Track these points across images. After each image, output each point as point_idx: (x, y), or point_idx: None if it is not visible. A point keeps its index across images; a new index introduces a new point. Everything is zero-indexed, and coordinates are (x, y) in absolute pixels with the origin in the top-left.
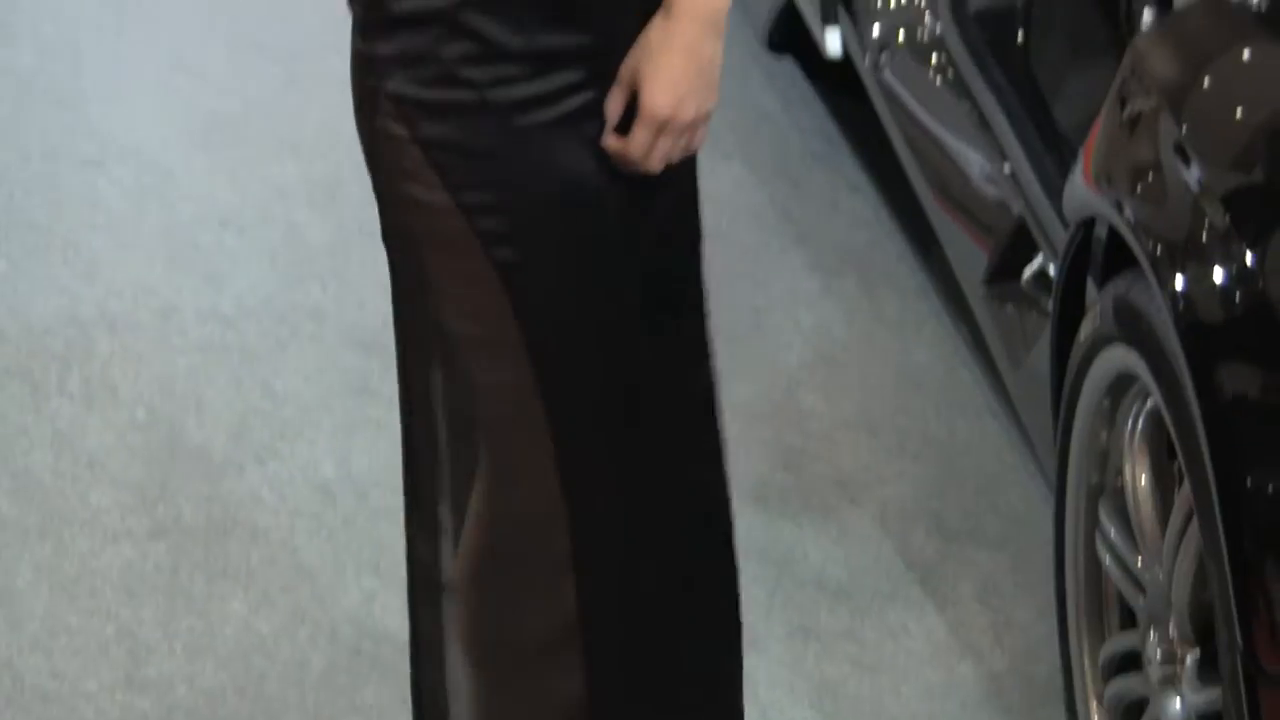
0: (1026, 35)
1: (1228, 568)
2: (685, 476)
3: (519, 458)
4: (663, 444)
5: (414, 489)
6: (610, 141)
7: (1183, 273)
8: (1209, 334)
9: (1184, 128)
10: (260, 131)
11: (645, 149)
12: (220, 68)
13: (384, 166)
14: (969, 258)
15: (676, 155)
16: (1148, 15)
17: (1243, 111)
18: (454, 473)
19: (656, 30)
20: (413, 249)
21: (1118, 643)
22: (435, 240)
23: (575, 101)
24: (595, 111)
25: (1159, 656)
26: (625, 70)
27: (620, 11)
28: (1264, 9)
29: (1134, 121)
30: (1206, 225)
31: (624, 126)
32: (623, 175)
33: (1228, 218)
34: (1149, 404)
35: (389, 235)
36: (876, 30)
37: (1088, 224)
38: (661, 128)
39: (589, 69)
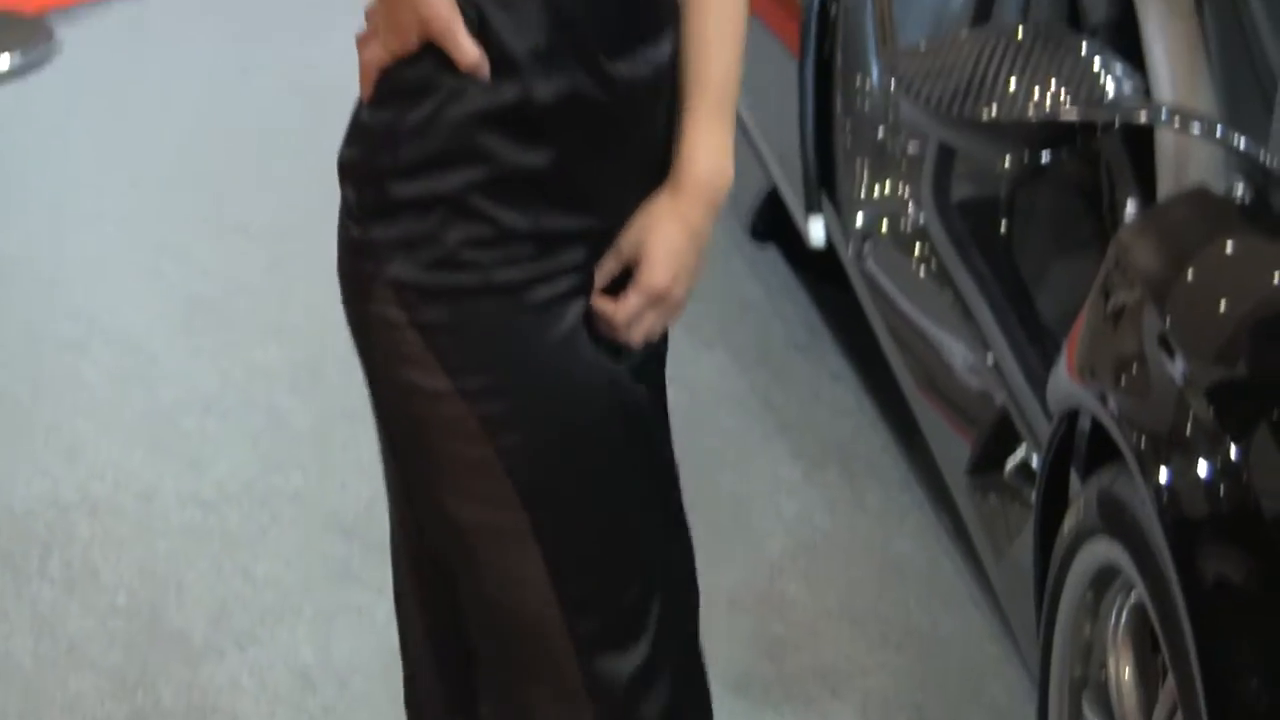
0: (1009, 226)
1: None
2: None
3: (531, 649)
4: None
5: (414, 700)
6: (603, 304)
7: (1167, 466)
8: (1194, 528)
9: (1168, 320)
10: (243, 315)
11: (634, 317)
12: (204, 251)
13: (379, 353)
14: (952, 448)
15: (657, 330)
16: (1130, 207)
17: (1227, 304)
18: (460, 676)
19: (662, 205)
20: (411, 435)
21: None
22: (435, 425)
23: (575, 278)
24: (590, 286)
25: None
26: (626, 241)
27: (627, 192)
28: (1247, 201)
29: (1118, 314)
30: (1191, 418)
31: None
32: (606, 340)
33: (1213, 411)
34: (1133, 597)
35: (385, 422)
36: (860, 220)
37: (1071, 416)
38: (655, 300)
39: (591, 247)
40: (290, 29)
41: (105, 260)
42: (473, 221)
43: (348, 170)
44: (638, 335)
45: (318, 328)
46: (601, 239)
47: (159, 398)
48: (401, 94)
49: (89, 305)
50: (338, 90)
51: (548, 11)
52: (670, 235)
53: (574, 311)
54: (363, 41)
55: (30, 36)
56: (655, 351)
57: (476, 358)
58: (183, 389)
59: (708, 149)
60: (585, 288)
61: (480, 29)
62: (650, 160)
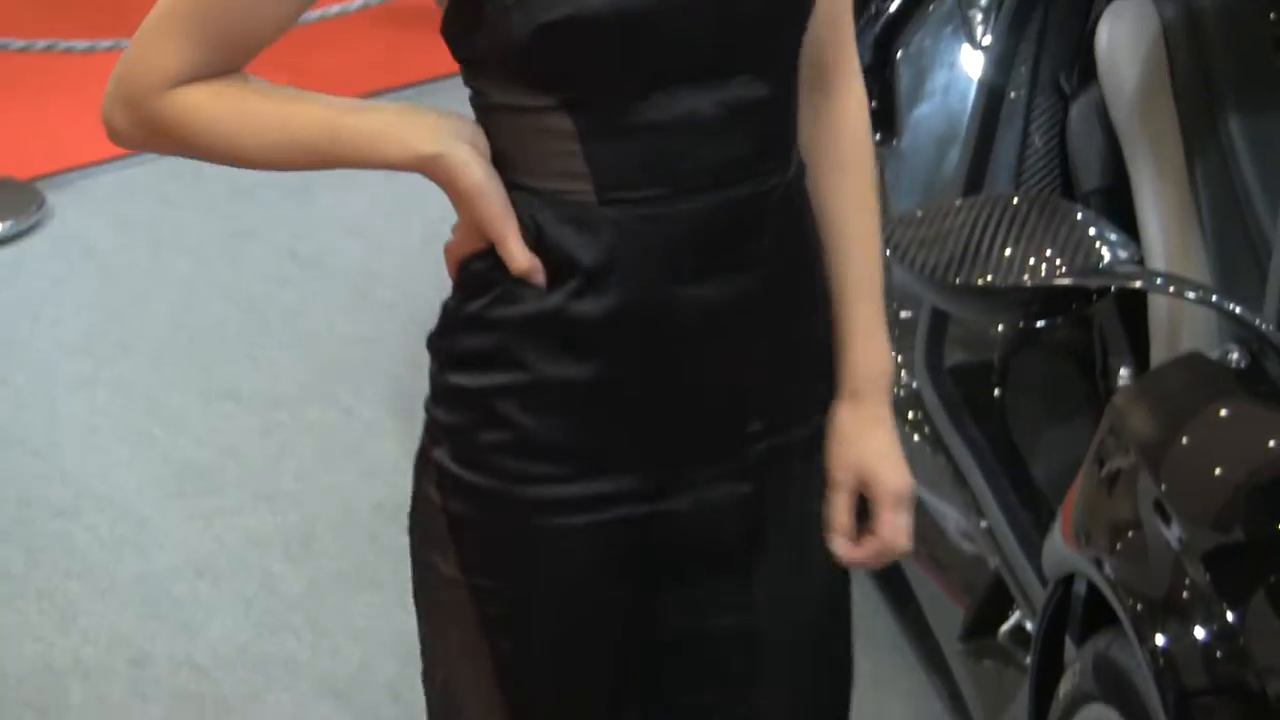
0: (1003, 391)
1: None
2: None
3: None
4: None
5: None
6: (853, 555)
7: (1164, 631)
8: (1190, 693)
9: (1164, 485)
10: (235, 481)
11: (899, 530)
12: (196, 416)
13: (418, 525)
14: (945, 613)
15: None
16: (1125, 373)
17: (1223, 469)
18: None
19: (848, 419)
20: (424, 610)
21: None
22: (444, 607)
23: (623, 509)
24: (631, 524)
25: None
26: (841, 472)
27: (699, 426)
28: (1242, 366)
29: (1113, 479)
30: (1187, 583)
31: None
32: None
33: (1209, 576)
34: None
35: (413, 589)
36: None
37: (1067, 581)
38: (905, 503)
39: (649, 480)
40: (276, 189)
41: (97, 426)
42: (502, 427)
43: (429, 344)
44: (905, 540)
45: (309, 494)
46: (665, 473)
47: (151, 563)
48: (466, 285)
49: (81, 471)
50: (325, 258)
51: (613, 231)
52: (879, 440)
53: (614, 543)
54: (454, 227)
55: (21, 202)
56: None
57: (488, 560)
58: (175, 554)
59: (873, 348)
60: (638, 522)
61: (537, 237)
62: (735, 389)
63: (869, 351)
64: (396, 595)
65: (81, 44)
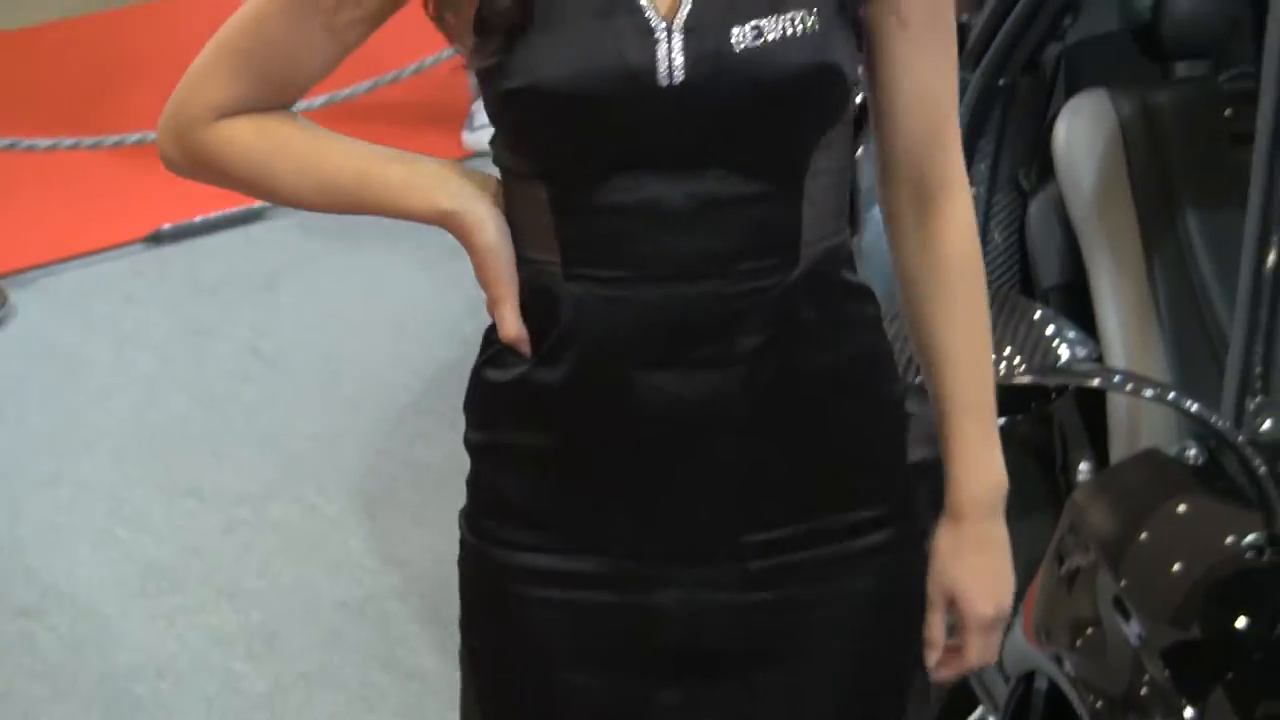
0: None
1: None
2: None
3: None
4: None
5: None
6: (938, 672)
7: None
8: None
9: (1123, 582)
10: (198, 579)
11: (985, 652)
12: (158, 514)
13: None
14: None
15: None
16: (1084, 468)
17: (1181, 566)
18: None
19: (948, 540)
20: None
21: None
22: (461, 667)
23: (591, 594)
24: (607, 612)
25: None
26: (934, 592)
27: (668, 514)
28: (1200, 463)
29: (1073, 576)
30: (1147, 680)
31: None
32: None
33: (1168, 672)
34: None
35: None
36: None
37: (1028, 678)
38: (994, 627)
39: (619, 565)
40: (239, 286)
41: (60, 525)
42: (486, 487)
43: None
44: (991, 657)
45: (272, 592)
46: (634, 563)
47: (113, 663)
48: (483, 342)
49: (43, 571)
50: (288, 354)
51: (575, 306)
52: (975, 563)
53: (594, 630)
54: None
55: None
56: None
57: (473, 620)
58: (137, 654)
59: (979, 467)
60: (616, 612)
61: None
62: (713, 491)
63: (974, 471)
64: (360, 694)
65: (44, 142)
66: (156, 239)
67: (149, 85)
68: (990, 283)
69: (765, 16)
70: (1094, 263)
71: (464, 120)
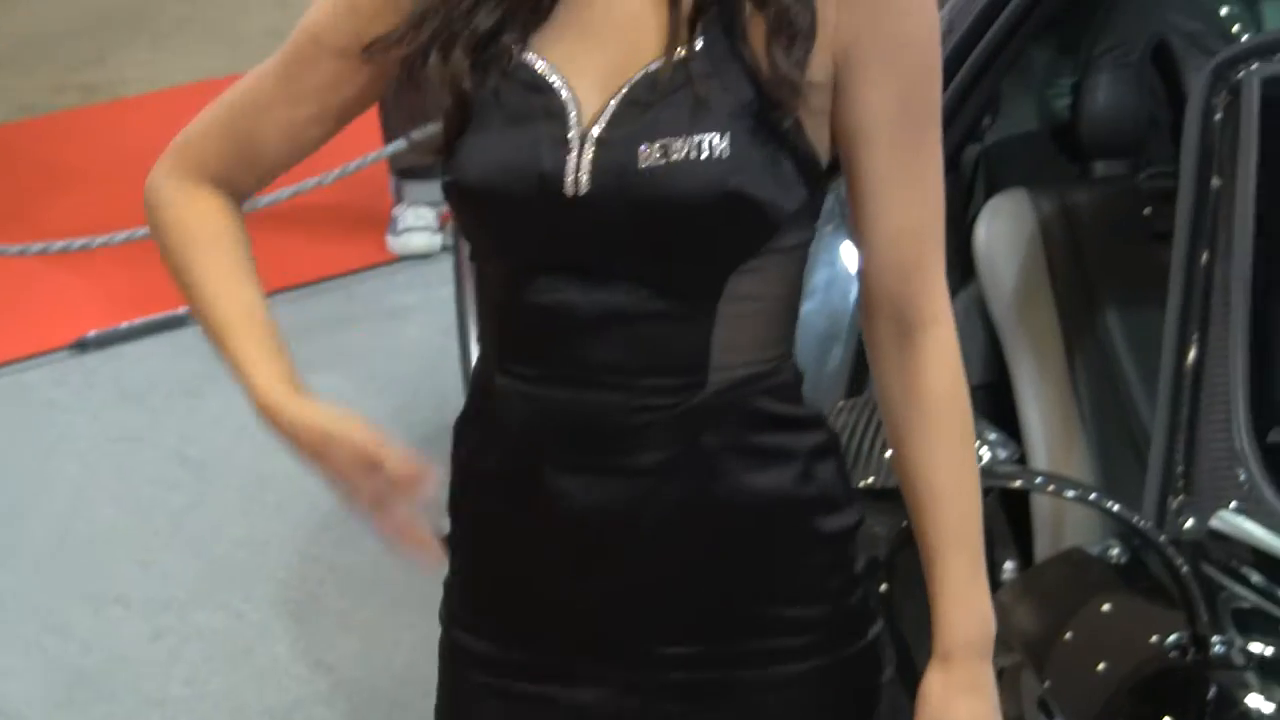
0: (890, 588)
1: None
2: None
3: None
4: None
5: None
6: None
7: None
8: None
9: (1047, 682)
10: (124, 688)
11: None
12: (84, 623)
13: None
14: None
15: None
16: (1008, 567)
17: (1105, 666)
18: None
19: (937, 684)
20: None
21: None
22: None
23: (512, 683)
24: (536, 703)
25: None
26: None
27: (559, 624)
28: (1123, 562)
29: (997, 676)
30: None
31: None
32: None
33: None
34: None
35: None
36: None
37: None
38: None
39: (528, 656)
40: (165, 392)
41: None
42: (451, 561)
43: None
44: None
45: (199, 699)
46: (559, 656)
47: None
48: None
49: None
50: (214, 461)
51: (500, 398)
52: (966, 709)
53: (509, 713)
54: None
55: None
56: None
57: (437, 699)
58: None
59: (969, 607)
60: (543, 703)
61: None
62: (620, 599)
63: (961, 611)
64: None
65: None
66: (82, 346)
67: (72, 192)
68: None
69: (677, 136)
70: (1016, 362)
71: (387, 225)
